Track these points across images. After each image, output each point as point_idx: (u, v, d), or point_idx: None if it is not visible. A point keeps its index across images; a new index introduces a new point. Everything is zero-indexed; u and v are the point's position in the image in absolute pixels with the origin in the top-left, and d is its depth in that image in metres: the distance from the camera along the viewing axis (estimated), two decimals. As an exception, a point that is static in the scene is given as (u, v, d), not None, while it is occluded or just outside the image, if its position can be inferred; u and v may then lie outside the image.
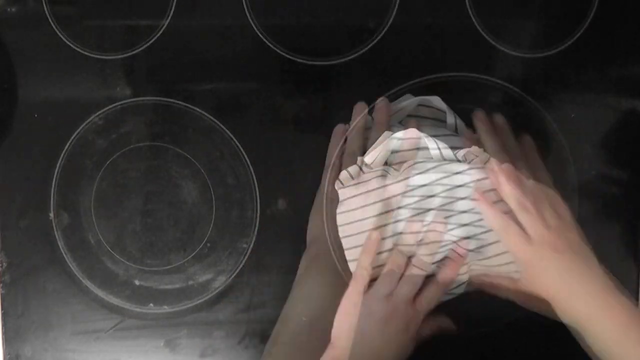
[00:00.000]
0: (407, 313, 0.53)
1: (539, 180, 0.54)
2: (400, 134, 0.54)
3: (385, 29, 0.60)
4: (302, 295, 0.56)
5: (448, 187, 0.53)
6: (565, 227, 0.51)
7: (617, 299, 0.50)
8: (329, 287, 0.54)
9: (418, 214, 0.53)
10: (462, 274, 0.55)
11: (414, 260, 0.54)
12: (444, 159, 0.54)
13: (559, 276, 0.50)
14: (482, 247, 0.53)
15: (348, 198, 0.54)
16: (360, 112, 0.59)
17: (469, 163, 0.53)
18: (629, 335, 0.48)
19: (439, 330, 0.57)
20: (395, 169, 0.55)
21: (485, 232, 0.53)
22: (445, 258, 0.54)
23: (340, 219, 0.54)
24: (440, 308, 0.61)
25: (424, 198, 0.53)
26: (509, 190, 0.50)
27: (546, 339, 0.61)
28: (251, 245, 0.61)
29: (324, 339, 0.49)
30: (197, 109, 0.61)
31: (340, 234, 0.54)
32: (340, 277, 0.53)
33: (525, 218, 0.50)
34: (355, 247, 0.54)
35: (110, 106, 0.61)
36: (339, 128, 0.59)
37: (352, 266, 0.54)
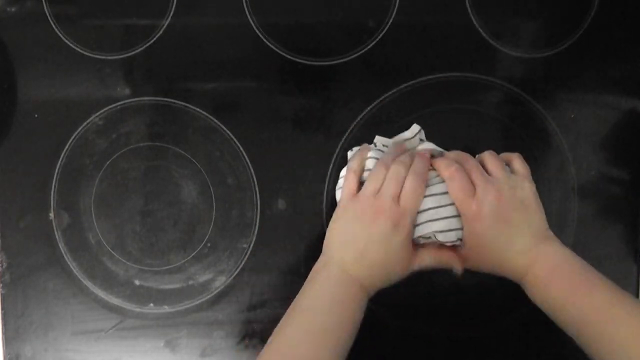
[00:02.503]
0: (392, 210, 0.52)
1: (513, 167, 0.57)
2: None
3: (385, 29, 0.60)
4: (307, 300, 0.54)
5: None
6: (513, 179, 0.54)
7: (552, 249, 0.53)
8: (335, 295, 0.53)
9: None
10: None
11: (396, 161, 0.55)
12: None
13: (499, 229, 0.53)
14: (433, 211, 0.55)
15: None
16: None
17: None
18: (561, 279, 0.51)
19: (440, 263, 0.55)
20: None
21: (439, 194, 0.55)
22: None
23: (338, 194, 0.57)
24: (441, 307, 0.61)
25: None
26: (441, 158, 0.56)
27: (546, 339, 0.61)
28: (251, 245, 0.61)
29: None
30: (197, 109, 0.61)
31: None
32: (348, 286, 0.52)
33: (467, 167, 0.54)
34: None
35: (110, 106, 0.61)
36: (365, 146, 0.59)
37: None
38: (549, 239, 0.54)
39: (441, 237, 0.54)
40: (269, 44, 0.61)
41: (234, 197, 0.61)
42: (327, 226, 0.58)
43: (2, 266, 0.61)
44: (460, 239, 0.54)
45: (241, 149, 0.61)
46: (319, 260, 0.55)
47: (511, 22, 0.61)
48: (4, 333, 0.62)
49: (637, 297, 0.62)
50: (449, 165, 0.54)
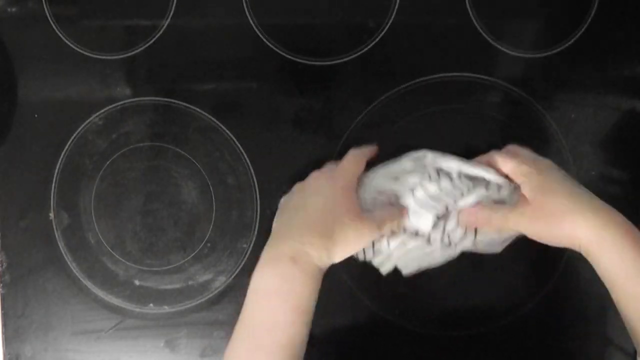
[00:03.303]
0: (327, 170, 0.55)
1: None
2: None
3: (385, 29, 0.60)
4: (255, 318, 0.50)
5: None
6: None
7: (615, 213, 0.50)
8: (270, 280, 0.49)
9: None
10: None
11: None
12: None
13: (559, 179, 0.52)
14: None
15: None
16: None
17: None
18: (629, 247, 0.48)
19: (391, 217, 0.53)
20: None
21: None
22: None
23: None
24: (441, 307, 0.61)
25: None
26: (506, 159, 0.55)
27: (546, 339, 0.61)
28: (251, 246, 0.61)
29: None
30: (197, 109, 0.61)
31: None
32: (275, 266, 0.49)
33: (505, 164, 0.54)
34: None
35: (110, 106, 0.61)
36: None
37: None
38: (610, 210, 0.50)
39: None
40: (269, 44, 0.61)
41: (234, 197, 0.61)
42: None
43: (2, 266, 0.61)
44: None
45: (241, 149, 0.61)
46: (263, 254, 0.51)
47: (511, 22, 0.61)
48: (4, 333, 0.62)
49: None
50: (504, 155, 0.55)
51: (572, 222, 0.49)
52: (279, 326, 0.47)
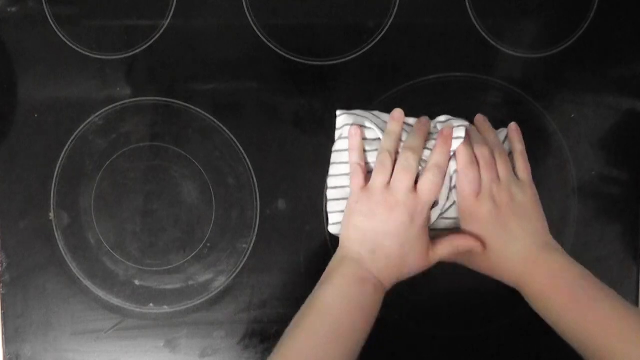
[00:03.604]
0: (408, 201, 0.52)
1: (518, 166, 0.57)
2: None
3: (385, 29, 0.60)
4: (323, 297, 0.53)
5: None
6: (516, 185, 0.54)
7: (552, 258, 0.52)
8: (350, 292, 0.52)
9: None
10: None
11: (404, 144, 0.55)
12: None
13: (496, 233, 0.53)
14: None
15: (335, 168, 0.58)
16: (398, 118, 0.57)
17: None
18: (562, 290, 0.51)
19: (459, 249, 0.54)
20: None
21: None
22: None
23: (329, 193, 0.58)
24: (441, 307, 0.61)
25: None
26: (463, 147, 0.54)
27: (545, 339, 0.61)
28: (251, 245, 0.61)
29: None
30: (197, 109, 0.61)
31: (328, 209, 0.58)
32: (364, 283, 0.52)
33: (480, 163, 0.54)
34: (339, 211, 0.57)
35: (110, 106, 0.61)
36: (354, 130, 0.57)
37: (332, 229, 0.58)
38: (550, 248, 0.53)
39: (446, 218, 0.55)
40: (269, 44, 0.61)
41: (234, 197, 0.61)
42: (327, 226, 0.58)
43: (2, 266, 0.61)
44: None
45: (241, 149, 0.61)
46: (335, 255, 0.55)
47: (511, 22, 0.61)
48: (4, 333, 0.62)
49: (637, 296, 0.62)
50: (466, 156, 0.54)
51: (498, 271, 0.55)
52: (358, 327, 0.51)
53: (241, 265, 0.61)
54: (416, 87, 0.60)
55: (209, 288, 0.61)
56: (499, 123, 0.61)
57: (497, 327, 0.61)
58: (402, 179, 0.53)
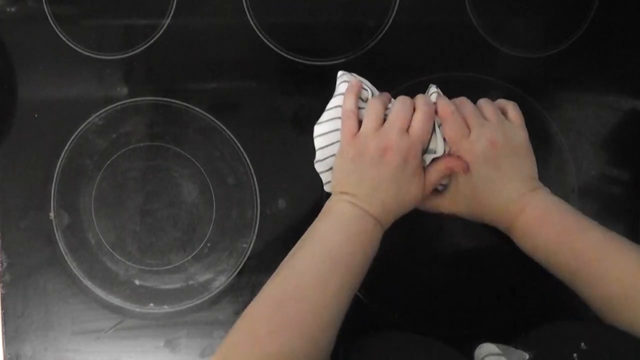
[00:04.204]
0: (401, 143, 0.52)
1: (507, 113, 0.57)
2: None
3: (385, 29, 0.60)
4: (322, 230, 0.53)
5: None
6: (509, 125, 0.55)
7: (541, 196, 0.53)
8: (350, 226, 0.52)
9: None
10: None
11: (395, 100, 0.55)
12: None
13: (490, 173, 0.53)
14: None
15: (324, 115, 0.57)
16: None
17: None
18: (552, 223, 0.51)
19: (446, 172, 0.55)
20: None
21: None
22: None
23: (316, 142, 0.56)
24: (441, 307, 0.61)
25: None
26: (439, 98, 0.55)
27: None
28: (251, 245, 0.61)
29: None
30: (197, 109, 0.61)
31: (317, 168, 0.57)
32: (363, 220, 0.52)
33: (464, 110, 0.54)
34: (326, 158, 0.56)
35: (110, 106, 0.61)
36: (355, 79, 0.56)
37: (323, 178, 0.57)
38: (539, 188, 0.54)
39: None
40: (269, 44, 0.61)
41: (234, 197, 0.61)
42: (323, 185, 0.58)
43: (2, 266, 0.61)
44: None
45: (241, 149, 0.61)
46: (330, 199, 0.54)
47: (511, 22, 0.61)
48: (4, 333, 0.62)
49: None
50: (446, 106, 0.54)
51: (490, 213, 0.54)
52: (357, 258, 0.51)
53: (241, 265, 0.61)
54: (416, 87, 0.60)
55: (209, 288, 0.61)
56: (499, 123, 0.61)
57: (496, 327, 0.61)
58: (396, 120, 0.53)
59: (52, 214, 0.61)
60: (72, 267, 0.61)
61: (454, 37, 0.61)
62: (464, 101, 0.56)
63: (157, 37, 0.61)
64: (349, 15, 0.60)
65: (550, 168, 0.61)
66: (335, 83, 0.60)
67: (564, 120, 0.61)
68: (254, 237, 0.61)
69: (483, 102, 0.56)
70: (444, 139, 0.54)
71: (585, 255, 0.49)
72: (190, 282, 0.61)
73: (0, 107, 0.61)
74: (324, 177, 0.57)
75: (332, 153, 0.56)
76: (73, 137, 0.61)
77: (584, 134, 0.61)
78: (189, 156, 0.61)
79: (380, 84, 0.60)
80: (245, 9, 0.60)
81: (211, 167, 0.61)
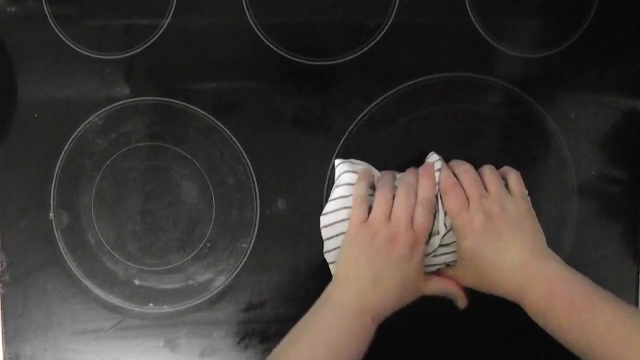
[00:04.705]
0: (408, 235, 0.53)
1: (510, 184, 0.57)
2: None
3: (385, 29, 0.60)
4: (321, 323, 0.53)
5: None
6: (507, 197, 0.55)
7: (548, 266, 0.52)
8: (349, 322, 0.52)
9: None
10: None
11: (400, 181, 0.56)
12: None
13: (489, 244, 0.53)
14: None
15: (330, 205, 0.58)
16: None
17: None
18: (562, 301, 0.50)
19: (447, 293, 0.57)
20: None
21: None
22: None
23: (324, 232, 0.57)
24: (440, 307, 0.61)
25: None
26: (454, 162, 0.57)
27: (545, 338, 0.61)
28: (251, 245, 0.61)
29: None
30: (197, 109, 0.61)
31: (328, 259, 0.57)
32: (362, 314, 0.52)
33: (464, 180, 0.55)
34: (336, 249, 0.57)
35: (110, 106, 0.61)
36: (366, 172, 0.58)
37: (332, 268, 0.57)
38: (546, 257, 0.53)
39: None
40: (269, 44, 0.61)
41: (234, 197, 0.61)
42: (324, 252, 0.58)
43: (2, 266, 0.61)
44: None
45: (241, 149, 0.61)
46: (333, 282, 0.54)
47: (511, 22, 0.61)
48: (4, 333, 0.62)
49: (637, 296, 0.62)
50: (448, 179, 0.55)
51: (496, 286, 0.54)
52: (353, 355, 0.51)
53: (241, 265, 0.61)
54: (416, 87, 0.60)
55: (209, 288, 0.61)
56: (499, 123, 0.61)
57: (496, 327, 0.61)
58: (403, 211, 0.54)
59: (52, 214, 0.61)
60: (72, 267, 0.61)
61: (454, 37, 0.61)
62: (467, 170, 0.56)
63: (157, 37, 0.61)
64: (349, 15, 0.60)
65: (550, 168, 0.61)
66: (335, 83, 0.60)
67: (564, 120, 0.61)
68: (254, 237, 0.61)
69: (485, 171, 0.57)
70: (446, 213, 0.55)
71: (596, 337, 0.48)
72: (190, 282, 0.61)
73: (0, 107, 0.61)
74: (333, 268, 0.58)
75: (339, 245, 0.56)
76: (73, 137, 0.61)
77: (584, 134, 0.61)
78: (189, 156, 0.61)
79: (381, 84, 0.61)
80: (245, 9, 0.60)
81: (211, 167, 0.61)
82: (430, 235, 0.55)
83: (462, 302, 0.57)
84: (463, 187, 0.55)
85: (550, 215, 0.60)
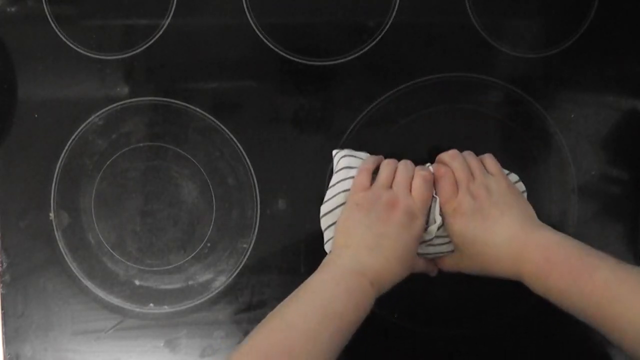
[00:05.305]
0: (407, 200, 0.54)
1: (487, 168, 0.58)
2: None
3: (385, 29, 0.60)
4: (317, 283, 0.52)
5: None
6: (491, 178, 0.56)
7: (541, 235, 0.52)
8: (346, 282, 0.51)
9: None
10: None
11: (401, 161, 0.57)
12: None
13: (479, 224, 0.54)
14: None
15: (329, 191, 0.58)
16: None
17: None
18: (559, 266, 0.50)
19: (426, 269, 0.58)
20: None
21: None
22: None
23: (323, 221, 0.57)
24: (440, 307, 0.61)
25: None
26: (436, 163, 0.58)
27: (545, 338, 0.61)
28: (251, 245, 0.61)
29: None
30: (197, 109, 0.61)
31: (327, 248, 0.58)
32: (361, 277, 0.51)
33: (453, 165, 0.56)
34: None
35: (110, 106, 0.61)
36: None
37: (327, 247, 0.57)
38: (537, 226, 0.54)
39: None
40: (269, 44, 0.61)
41: (234, 197, 0.61)
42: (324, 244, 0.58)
43: (2, 266, 0.61)
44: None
45: (241, 149, 0.61)
46: (332, 249, 0.55)
47: (511, 22, 0.61)
48: (4, 333, 0.62)
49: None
50: (440, 167, 0.57)
51: (491, 264, 0.54)
52: (349, 315, 0.50)
53: (241, 265, 0.61)
54: (416, 87, 0.60)
55: (209, 288, 0.61)
56: (499, 123, 0.61)
57: (496, 327, 0.61)
58: (403, 178, 0.55)
59: (52, 214, 0.61)
60: (72, 267, 0.61)
61: (454, 37, 0.61)
62: (454, 155, 0.57)
63: (157, 37, 0.61)
64: (349, 15, 0.60)
65: (550, 168, 0.61)
66: (335, 83, 0.61)
67: (564, 120, 0.61)
68: (254, 237, 0.61)
69: (467, 157, 0.58)
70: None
71: (595, 298, 0.48)
72: (190, 282, 0.61)
73: (0, 107, 0.61)
74: None
75: None
76: (73, 137, 0.61)
77: (584, 134, 0.61)
78: (189, 156, 0.61)
79: (381, 84, 0.61)
80: (245, 9, 0.60)
81: (211, 167, 0.61)
82: (428, 223, 0.55)
83: (433, 270, 0.59)
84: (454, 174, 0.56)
85: (550, 215, 0.60)
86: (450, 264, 0.58)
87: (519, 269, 0.52)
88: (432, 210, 0.55)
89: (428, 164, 0.59)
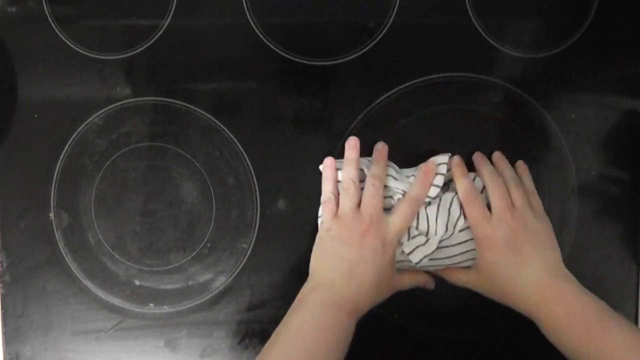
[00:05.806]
0: (379, 225, 0.53)
1: (530, 201, 0.57)
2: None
3: (385, 29, 0.60)
4: (296, 324, 0.52)
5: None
6: (531, 214, 0.55)
7: (566, 287, 0.52)
8: (324, 319, 0.51)
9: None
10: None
11: (369, 175, 0.55)
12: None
13: (510, 258, 0.53)
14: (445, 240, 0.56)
15: None
16: (353, 145, 0.58)
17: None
18: (577, 321, 0.50)
19: (417, 283, 0.58)
20: None
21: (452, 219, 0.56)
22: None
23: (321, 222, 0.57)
24: (441, 307, 0.61)
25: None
26: (462, 179, 0.56)
27: (545, 338, 0.61)
28: (251, 245, 0.61)
29: None
30: (197, 109, 0.61)
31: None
32: (338, 310, 0.51)
33: (493, 191, 0.55)
34: None
35: (110, 106, 0.61)
36: (329, 161, 0.58)
37: None
38: (564, 277, 0.53)
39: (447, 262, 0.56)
40: (269, 44, 0.61)
41: (234, 197, 0.61)
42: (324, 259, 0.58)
43: (2, 266, 0.61)
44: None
45: (241, 149, 0.61)
46: (307, 282, 0.54)
47: (511, 22, 0.61)
48: (4, 333, 0.62)
49: (637, 296, 0.62)
50: (470, 190, 0.55)
51: (511, 298, 0.54)
52: (331, 353, 0.50)
53: (241, 265, 0.61)
54: (416, 87, 0.60)
55: (209, 288, 0.61)
56: (499, 123, 0.61)
57: (496, 327, 0.61)
58: (370, 203, 0.54)
59: (52, 214, 0.61)
60: (72, 267, 0.61)
61: (454, 37, 0.61)
62: (494, 178, 0.56)
63: (157, 37, 0.61)
64: (349, 15, 0.60)
65: (550, 168, 0.61)
66: (335, 83, 0.61)
67: (564, 120, 0.61)
68: (254, 237, 0.61)
69: (512, 184, 0.56)
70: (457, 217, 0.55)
71: (608, 356, 0.48)
72: (190, 282, 0.61)
73: (0, 107, 0.61)
74: None
75: None
76: (73, 137, 0.61)
77: (584, 134, 0.61)
78: (189, 156, 0.61)
79: (381, 84, 0.60)
80: (245, 9, 0.60)
81: (211, 167, 0.61)
82: (427, 235, 0.55)
83: (430, 285, 0.58)
84: (488, 193, 0.55)
85: (550, 215, 0.60)
86: (464, 281, 0.57)
87: (538, 315, 0.52)
88: (429, 221, 0.55)
89: (439, 164, 0.57)
